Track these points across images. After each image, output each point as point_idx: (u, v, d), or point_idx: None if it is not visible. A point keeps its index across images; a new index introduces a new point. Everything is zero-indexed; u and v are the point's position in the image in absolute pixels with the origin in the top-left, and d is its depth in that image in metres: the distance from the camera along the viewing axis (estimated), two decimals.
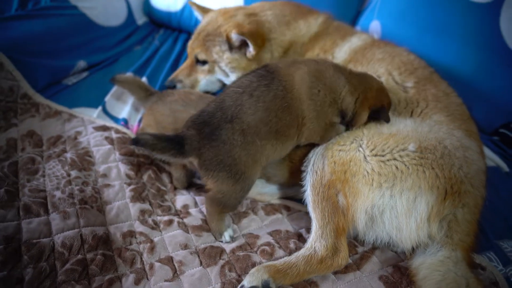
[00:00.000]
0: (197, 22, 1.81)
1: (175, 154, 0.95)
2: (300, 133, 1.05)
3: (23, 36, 1.41)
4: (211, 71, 1.39)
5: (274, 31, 1.37)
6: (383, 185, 1.00)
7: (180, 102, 1.18)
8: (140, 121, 1.38)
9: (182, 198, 1.18)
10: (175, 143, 0.95)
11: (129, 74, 1.23)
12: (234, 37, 1.29)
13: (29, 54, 1.40)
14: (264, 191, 1.22)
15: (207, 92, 1.42)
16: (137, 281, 0.93)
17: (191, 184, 1.25)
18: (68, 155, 1.18)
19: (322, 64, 1.10)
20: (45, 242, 0.96)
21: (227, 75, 1.38)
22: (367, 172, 1.01)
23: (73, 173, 1.12)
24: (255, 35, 1.28)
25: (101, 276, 0.93)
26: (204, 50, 1.36)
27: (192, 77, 1.40)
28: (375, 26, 1.59)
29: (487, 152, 1.43)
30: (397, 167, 1.01)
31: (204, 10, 1.50)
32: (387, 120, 1.12)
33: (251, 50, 1.30)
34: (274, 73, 1.03)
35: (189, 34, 1.87)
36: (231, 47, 1.32)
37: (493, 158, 1.42)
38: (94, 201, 1.08)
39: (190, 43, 1.40)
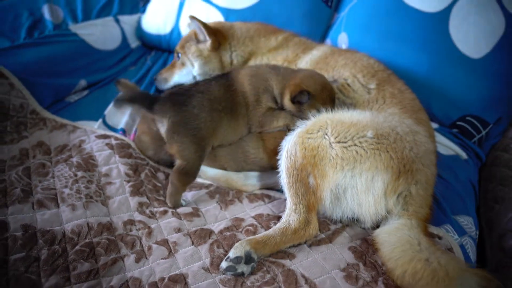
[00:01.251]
0: None
1: (145, 107, 1.23)
2: (247, 114, 1.33)
3: (31, 61, 1.63)
4: (183, 64, 1.68)
5: (237, 40, 1.65)
6: (345, 167, 1.17)
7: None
8: (136, 130, 1.57)
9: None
10: (146, 99, 1.24)
11: (130, 81, 1.44)
12: (197, 29, 1.61)
13: (36, 75, 1.61)
14: (248, 182, 1.39)
15: None
16: (137, 260, 1.09)
17: None
18: (74, 159, 1.36)
19: (261, 65, 1.47)
20: (57, 229, 1.12)
21: (192, 65, 1.66)
22: (332, 157, 1.19)
23: (79, 173, 1.30)
24: (212, 29, 1.59)
25: (106, 256, 1.08)
26: (181, 47, 1.68)
27: (170, 71, 1.72)
28: (343, 37, 1.81)
29: (448, 142, 1.62)
30: (357, 152, 1.19)
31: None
32: (304, 102, 1.33)
33: (207, 38, 1.60)
34: (228, 72, 1.41)
35: None
36: (198, 41, 1.64)
37: (453, 147, 1.61)
38: (98, 196, 1.25)
39: (176, 47, 1.72)
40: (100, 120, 1.59)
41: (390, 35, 1.72)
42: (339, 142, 1.21)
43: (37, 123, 1.52)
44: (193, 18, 1.58)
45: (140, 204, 1.27)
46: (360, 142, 1.20)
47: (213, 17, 1.96)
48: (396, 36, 1.71)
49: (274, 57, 1.60)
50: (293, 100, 1.33)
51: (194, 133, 1.23)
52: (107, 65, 1.90)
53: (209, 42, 1.61)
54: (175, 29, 2.08)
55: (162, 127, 1.25)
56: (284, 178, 1.21)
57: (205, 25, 1.59)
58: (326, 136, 1.23)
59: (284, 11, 1.90)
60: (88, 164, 1.35)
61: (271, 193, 1.37)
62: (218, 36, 1.62)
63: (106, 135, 1.49)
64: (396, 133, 1.23)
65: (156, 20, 2.12)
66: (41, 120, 1.54)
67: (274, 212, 1.29)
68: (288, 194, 1.19)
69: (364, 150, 1.19)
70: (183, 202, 1.29)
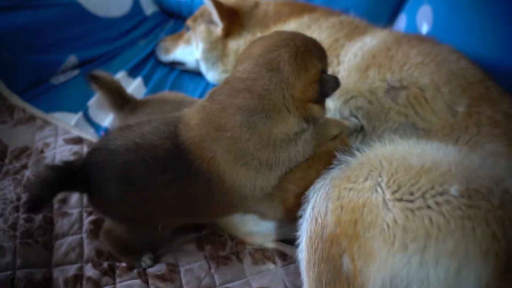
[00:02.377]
0: None
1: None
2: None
3: (5, 30, 1.29)
4: (188, 41, 1.43)
5: (253, 24, 1.29)
6: (409, 246, 0.70)
7: (150, 116, 0.96)
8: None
9: None
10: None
11: (107, 74, 1.03)
12: (208, 6, 1.29)
13: (10, 50, 1.28)
14: (256, 230, 0.97)
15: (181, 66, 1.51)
16: None
17: None
18: (27, 173, 1.03)
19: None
20: None
21: (197, 46, 1.39)
22: (387, 225, 0.72)
23: (25, 196, 0.96)
24: (227, 10, 1.25)
25: None
26: (193, 20, 1.40)
27: (174, 42, 1.48)
28: (425, 12, 1.24)
29: None
30: (431, 220, 0.70)
31: None
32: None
33: (218, 22, 1.29)
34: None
35: None
36: (211, 22, 1.33)
37: None
38: (41, 234, 0.91)
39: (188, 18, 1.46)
40: (81, 113, 1.25)
41: (498, 12, 1.12)
42: (400, 200, 0.73)
43: (1, 114, 1.20)
44: (212, 2, 1.24)
45: (99, 253, 0.91)
46: (437, 204, 0.72)
47: None
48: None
49: None
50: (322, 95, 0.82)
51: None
52: (108, 38, 1.53)
53: (220, 27, 1.28)
54: None
55: None
56: (303, 250, 0.78)
57: (218, 4, 1.24)
58: (378, 188, 0.75)
59: None
60: None
61: (289, 249, 0.94)
62: (234, 20, 1.27)
63: (80, 138, 1.14)
64: (504, 190, 0.73)
65: None
66: (8, 109, 1.23)
67: (289, 285, 0.86)
68: (305, 279, 0.77)
69: (445, 218, 0.70)
70: (146, 262, 0.90)
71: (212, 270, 0.90)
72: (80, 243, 0.92)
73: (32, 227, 0.91)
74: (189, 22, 1.40)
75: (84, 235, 0.93)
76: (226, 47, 1.31)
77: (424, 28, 1.25)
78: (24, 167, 1.05)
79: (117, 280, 0.87)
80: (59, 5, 1.44)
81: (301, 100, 0.79)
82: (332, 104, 1.06)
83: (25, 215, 0.93)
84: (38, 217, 0.94)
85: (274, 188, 0.86)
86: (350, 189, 0.78)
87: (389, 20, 1.40)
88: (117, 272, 0.88)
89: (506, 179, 0.75)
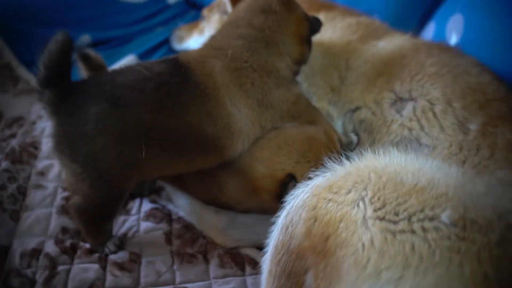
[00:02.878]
0: None
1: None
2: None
3: (23, 2, 1.31)
4: (202, 31, 1.38)
5: None
6: (383, 273, 0.60)
7: None
8: None
9: (125, 224, 0.93)
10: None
11: (98, 56, 1.00)
12: None
13: (25, 22, 1.30)
14: (229, 230, 0.90)
15: None
16: None
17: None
18: (13, 142, 1.03)
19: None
20: None
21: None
22: (363, 246, 0.63)
23: (4, 164, 0.96)
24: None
25: None
26: (209, 10, 1.35)
27: (189, 30, 1.43)
28: (457, 21, 1.13)
29: None
30: (413, 247, 0.61)
31: None
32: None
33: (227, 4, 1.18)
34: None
35: None
36: (225, 12, 1.24)
37: None
38: (11, 203, 0.91)
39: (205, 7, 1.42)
40: None
41: None
42: (382, 219, 0.64)
43: (5, 83, 1.22)
44: None
45: (64, 230, 0.89)
46: (423, 230, 0.62)
47: None
48: None
49: None
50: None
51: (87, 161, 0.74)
52: (126, 21, 1.52)
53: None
54: None
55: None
56: (266, 259, 0.70)
57: None
58: (360, 203, 0.66)
59: None
60: (25, 152, 1.01)
61: (261, 257, 0.86)
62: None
63: None
64: (506, 225, 0.62)
65: None
66: (13, 79, 1.24)
67: None
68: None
69: (430, 247, 0.61)
70: (110, 247, 0.85)
71: (175, 267, 0.84)
72: (48, 218, 0.90)
73: (3, 195, 0.90)
74: (205, 11, 1.36)
75: (54, 210, 0.91)
76: None
77: (453, 39, 1.15)
78: (13, 136, 1.06)
79: (75, 261, 0.83)
80: None
81: (296, 35, 0.90)
82: (335, 111, 0.98)
83: (0, 182, 0.92)
84: (12, 186, 0.93)
85: (243, 166, 0.84)
86: (330, 200, 0.69)
87: (417, 27, 1.30)
88: (78, 252, 0.85)
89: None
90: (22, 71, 1.27)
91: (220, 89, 0.79)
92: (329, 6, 1.19)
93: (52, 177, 0.97)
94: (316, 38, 1.06)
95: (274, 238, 0.73)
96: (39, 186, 0.95)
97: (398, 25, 1.25)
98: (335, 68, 1.01)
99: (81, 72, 1.01)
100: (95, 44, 1.44)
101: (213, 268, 0.84)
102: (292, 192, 0.77)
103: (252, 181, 0.84)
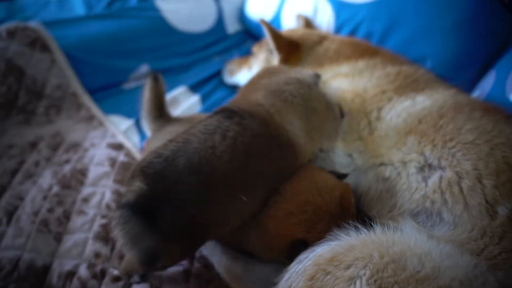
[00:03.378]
0: None
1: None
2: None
3: (92, 36, 1.49)
4: (250, 66, 1.44)
5: (311, 60, 1.25)
6: None
7: (173, 135, 1.00)
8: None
9: None
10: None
11: (163, 84, 1.11)
12: (268, 37, 1.28)
13: (91, 53, 1.47)
14: (244, 275, 0.93)
15: None
16: None
17: None
18: (66, 167, 1.16)
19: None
20: None
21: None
22: None
23: (55, 189, 1.10)
24: (285, 43, 1.25)
25: None
26: (258, 47, 1.42)
27: (239, 65, 1.50)
28: None
29: None
30: None
31: (308, 27, 1.47)
32: None
33: (275, 53, 1.27)
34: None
35: None
36: (272, 51, 1.31)
37: None
38: (57, 226, 1.03)
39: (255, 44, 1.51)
40: (133, 121, 1.36)
41: None
42: None
43: (70, 108, 1.38)
44: (263, 23, 1.23)
45: (97, 256, 0.99)
46: None
47: (321, 9, 1.46)
48: None
49: (338, 84, 1.10)
50: None
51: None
52: (183, 51, 1.64)
53: (277, 58, 1.26)
54: (276, 18, 1.65)
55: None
56: None
57: (275, 37, 1.23)
58: (357, 282, 0.67)
59: (426, 9, 1.23)
60: (73, 179, 1.14)
61: None
62: (292, 52, 1.24)
63: (121, 145, 1.25)
64: None
65: (258, 2, 1.72)
66: (77, 106, 1.40)
67: None
68: None
69: None
70: (135, 277, 0.93)
71: None
72: (85, 242, 1.01)
73: (51, 218, 1.03)
74: (255, 48, 1.42)
75: (91, 235, 1.02)
76: None
77: None
78: (67, 161, 1.20)
79: (102, 286, 0.93)
80: (145, 17, 1.60)
81: None
82: (360, 161, 0.96)
83: (48, 206, 1.05)
84: (59, 210, 1.05)
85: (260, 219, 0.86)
86: (329, 272, 0.70)
87: (477, 75, 1.21)
88: (106, 278, 0.94)
89: None
90: (86, 99, 1.43)
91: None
92: (373, 51, 1.18)
93: (93, 204, 1.09)
94: (350, 86, 1.06)
95: None
96: (81, 212, 1.07)
97: (455, 72, 1.21)
98: (365, 115, 1.00)
99: (144, 92, 1.14)
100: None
101: None
102: (298, 258, 0.79)
103: (266, 237, 0.87)
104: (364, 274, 0.67)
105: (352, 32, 1.37)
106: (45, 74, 1.38)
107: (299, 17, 1.50)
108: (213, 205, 0.78)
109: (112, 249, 1.01)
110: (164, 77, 1.54)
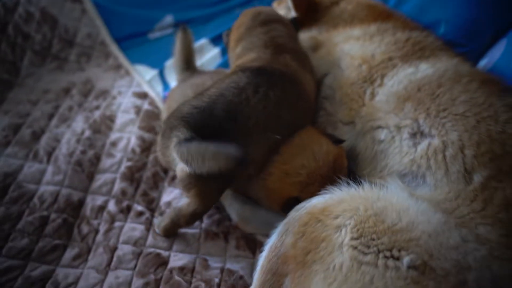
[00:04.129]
0: None
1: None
2: None
3: None
4: None
5: (326, 21, 1.29)
6: None
7: (195, 87, 1.11)
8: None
9: (171, 194, 1.17)
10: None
11: (192, 37, 1.23)
12: None
13: (118, 3, 1.54)
14: (251, 218, 1.08)
15: None
16: (76, 257, 1.02)
17: None
18: (97, 113, 1.30)
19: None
20: (30, 189, 1.12)
21: None
22: (333, 267, 0.77)
23: (87, 133, 1.25)
24: (301, 0, 1.29)
25: (49, 239, 1.04)
26: (278, 3, 1.42)
27: None
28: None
29: None
30: (372, 280, 0.73)
31: None
32: None
33: (292, 12, 1.30)
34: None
35: None
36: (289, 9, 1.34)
37: None
38: (88, 166, 1.18)
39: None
40: (157, 71, 1.46)
41: None
42: (355, 248, 0.77)
43: (99, 57, 1.49)
44: None
45: (123, 193, 1.15)
46: (385, 267, 0.74)
47: None
48: None
49: (348, 49, 1.15)
50: None
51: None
52: (208, 2, 1.67)
53: (292, 17, 1.29)
54: None
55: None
56: (262, 255, 0.88)
57: None
58: (343, 230, 0.79)
59: None
60: (103, 124, 1.28)
61: None
62: (309, 12, 1.28)
63: (145, 94, 1.36)
64: (461, 280, 0.71)
65: None
66: (105, 55, 1.51)
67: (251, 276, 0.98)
68: (255, 279, 0.88)
69: (386, 283, 0.73)
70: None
71: (201, 240, 1.06)
72: (113, 181, 1.17)
73: (84, 158, 1.18)
74: (275, 3, 1.45)
75: (118, 175, 1.17)
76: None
77: None
78: (97, 107, 1.33)
79: (128, 220, 1.09)
80: None
81: None
82: (360, 125, 1.04)
83: (81, 148, 1.20)
84: (91, 152, 1.20)
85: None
86: (320, 220, 0.83)
87: (488, 43, 1.24)
88: (131, 213, 1.11)
89: (472, 270, 0.71)
90: (114, 48, 1.54)
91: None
92: (386, 15, 1.21)
93: (120, 148, 1.23)
94: (359, 51, 1.12)
95: (272, 240, 0.89)
96: (110, 155, 1.22)
97: (467, 38, 1.23)
98: (371, 84, 1.06)
99: (175, 44, 1.26)
100: (176, 24, 1.64)
101: (230, 247, 1.05)
102: (296, 207, 0.92)
103: (265, 190, 0.99)
104: (349, 224, 0.79)
105: None
106: (76, 23, 1.48)
107: None
108: (248, 147, 0.90)
109: (136, 188, 1.17)
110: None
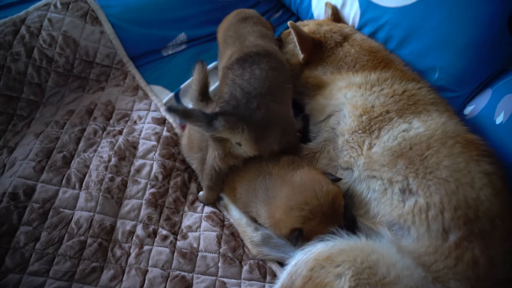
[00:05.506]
0: (311, 17, 1.71)
1: (205, 127, 1.16)
2: None
3: (137, 5, 1.63)
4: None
5: (330, 63, 1.43)
6: None
7: None
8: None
9: (191, 218, 1.34)
10: (204, 118, 1.15)
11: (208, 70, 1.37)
12: (293, 35, 1.45)
13: (135, 23, 1.64)
14: (262, 247, 1.27)
15: None
16: (113, 278, 1.20)
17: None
18: (121, 139, 1.43)
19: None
20: (67, 213, 1.27)
21: None
22: None
23: (113, 160, 1.38)
24: (307, 43, 1.43)
25: (88, 261, 1.21)
26: (286, 36, 1.58)
27: None
28: (509, 101, 1.24)
29: None
30: None
31: (335, 17, 1.59)
32: None
33: (299, 52, 1.45)
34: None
35: None
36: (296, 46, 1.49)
37: None
38: (116, 193, 1.33)
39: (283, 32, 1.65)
40: (173, 94, 1.58)
41: None
42: None
43: (117, 77, 1.59)
44: (291, 25, 1.38)
45: (149, 218, 1.31)
46: None
47: (349, 3, 1.55)
48: None
49: (351, 96, 1.31)
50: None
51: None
52: (218, 18, 1.71)
53: (300, 56, 1.43)
54: None
55: (237, 137, 1.20)
56: (278, 282, 1.07)
57: (301, 39, 1.38)
58: (342, 278, 0.99)
59: (446, 24, 1.35)
60: (127, 151, 1.41)
61: (279, 272, 1.23)
62: (315, 52, 1.42)
63: (163, 120, 1.49)
64: None
65: None
66: (123, 74, 1.61)
67: None
68: None
69: None
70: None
71: (219, 264, 1.25)
72: (139, 207, 1.33)
73: (112, 186, 1.33)
74: (283, 34, 1.56)
75: (144, 202, 1.33)
76: (301, 72, 1.48)
77: (500, 118, 1.27)
78: (120, 132, 1.46)
79: (155, 244, 1.27)
80: None
81: None
82: (357, 171, 1.21)
83: (110, 175, 1.35)
84: (118, 179, 1.35)
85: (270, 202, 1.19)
86: (324, 267, 1.02)
87: (475, 90, 1.39)
88: (157, 237, 1.28)
89: None
90: (130, 66, 1.63)
91: None
92: (387, 63, 1.36)
93: (144, 174, 1.38)
94: (360, 100, 1.27)
95: (282, 279, 1.08)
96: (135, 181, 1.37)
97: (457, 85, 1.39)
98: (369, 135, 1.22)
99: (193, 75, 1.39)
100: (189, 41, 1.74)
101: (244, 272, 1.24)
102: (305, 246, 1.10)
103: (273, 219, 1.17)
104: (348, 273, 0.99)
105: (373, 33, 1.49)
106: (95, 45, 1.57)
107: (328, 4, 1.60)
108: (271, 104, 1.21)
109: (160, 213, 1.34)
110: (201, 43, 1.74)
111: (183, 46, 1.74)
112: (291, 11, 1.91)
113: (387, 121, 1.21)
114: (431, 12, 1.35)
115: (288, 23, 1.38)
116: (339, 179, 1.21)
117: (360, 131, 1.23)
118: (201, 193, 1.39)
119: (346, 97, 1.31)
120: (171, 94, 1.58)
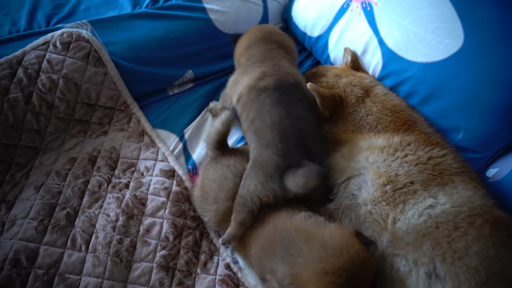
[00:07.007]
0: (328, 58, 1.65)
1: None
2: None
3: (141, 42, 1.54)
4: None
5: (351, 121, 1.41)
6: None
7: (233, 168, 1.25)
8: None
9: (204, 282, 1.31)
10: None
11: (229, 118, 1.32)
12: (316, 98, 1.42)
13: (139, 61, 1.55)
14: (253, 283, 1.25)
15: None
16: None
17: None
18: (128, 194, 1.38)
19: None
20: (74, 279, 1.23)
21: None
22: None
23: (121, 219, 1.33)
24: (328, 102, 1.39)
25: None
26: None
27: None
28: None
29: None
30: None
31: (355, 64, 1.56)
32: None
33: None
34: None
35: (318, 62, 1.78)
36: None
37: None
38: (126, 256, 1.29)
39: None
40: (178, 139, 1.52)
41: None
42: None
43: (121, 119, 1.52)
44: (311, 87, 1.34)
45: (161, 283, 1.28)
46: None
47: (371, 51, 1.50)
48: None
49: (373, 161, 1.28)
50: None
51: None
52: (226, 54, 1.69)
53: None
54: (324, 37, 1.68)
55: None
56: None
57: (322, 100, 1.35)
58: None
59: (475, 85, 1.32)
60: (135, 209, 1.36)
61: None
62: (337, 108, 1.40)
63: (172, 172, 1.44)
64: None
65: (307, 12, 1.73)
66: (127, 116, 1.54)
67: None
68: None
69: None
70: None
71: None
72: (150, 271, 1.29)
73: (121, 248, 1.29)
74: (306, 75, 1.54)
75: (154, 265, 1.29)
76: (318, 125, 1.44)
77: None
78: (127, 186, 1.40)
79: None
80: (192, 18, 1.61)
81: None
82: (380, 247, 1.18)
83: (118, 237, 1.30)
84: (127, 240, 1.30)
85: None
86: None
87: (500, 150, 1.37)
88: None
89: None
90: (134, 108, 1.56)
91: None
92: (410, 125, 1.32)
93: (154, 234, 1.33)
94: (383, 167, 1.23)
95: None
96: (144, 242, 1.32)
97: (481, 147, 1.37)
98: (394, 208, 1.19)
99: (216, 123, 1.35)
100: (196, 79, 1.66)
101: None
102: None
103: (299, 281, 1.09)
104: None
105: (395, 86, 1.45)
106: (98, 87, 1.49)
107: (347, 50, 1.56)
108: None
109: (172, 277, 1.30)
110: (208, 81, 1.67)
111: (190, 85, 1.67)
112: (304, 47, 1.84)
113: (412, 194, 1.18)
114: (459, 72, 1.32)
115: (308, 85, 1.33)
116: (372, 243, 1.16)
117: (384, 203, 1.20)
118: (224, 236, 1.29)
119: (368, 161, 1.27)
120: (177, 139, 1.53)
